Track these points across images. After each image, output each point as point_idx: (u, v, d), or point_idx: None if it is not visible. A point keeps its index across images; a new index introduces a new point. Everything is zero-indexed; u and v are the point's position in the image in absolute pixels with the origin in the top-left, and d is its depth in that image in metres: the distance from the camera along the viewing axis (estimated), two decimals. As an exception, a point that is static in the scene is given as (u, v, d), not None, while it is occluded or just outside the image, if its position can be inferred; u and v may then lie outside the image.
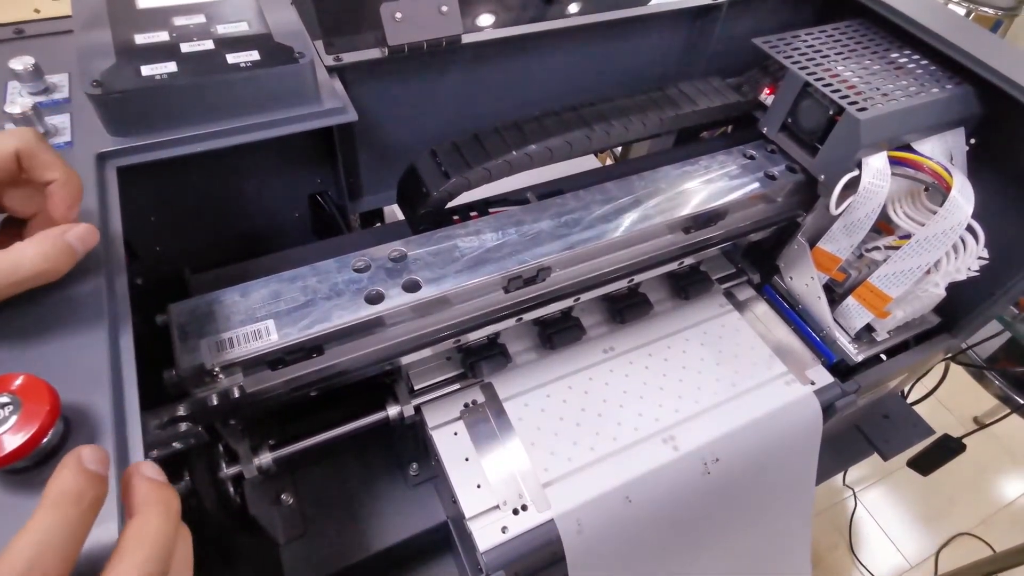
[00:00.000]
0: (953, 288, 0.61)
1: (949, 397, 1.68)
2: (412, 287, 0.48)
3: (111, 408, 0.30)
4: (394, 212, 0.81)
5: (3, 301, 0.31)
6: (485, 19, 0.60)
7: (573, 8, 0.64)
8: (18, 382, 0.27)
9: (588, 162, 0.92)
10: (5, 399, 0.26)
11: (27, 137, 0.32)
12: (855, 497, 1.50)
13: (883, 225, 0.62)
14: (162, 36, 0.46)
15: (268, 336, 0.43)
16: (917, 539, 1.46)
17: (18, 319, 0.32)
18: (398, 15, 0.53)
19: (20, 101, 0.42)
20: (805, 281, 0.66)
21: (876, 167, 0.56)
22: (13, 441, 0.25)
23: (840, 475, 1.21)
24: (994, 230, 0.56)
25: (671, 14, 0.70)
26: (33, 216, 0.34)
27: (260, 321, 0.44)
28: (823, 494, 1.51)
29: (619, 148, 1.15)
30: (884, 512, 1.50)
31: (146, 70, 0.44)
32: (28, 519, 0.22)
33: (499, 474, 0.55)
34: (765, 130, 0.64)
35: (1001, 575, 1.15)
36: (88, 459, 0.24)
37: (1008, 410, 1.10)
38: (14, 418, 0.26)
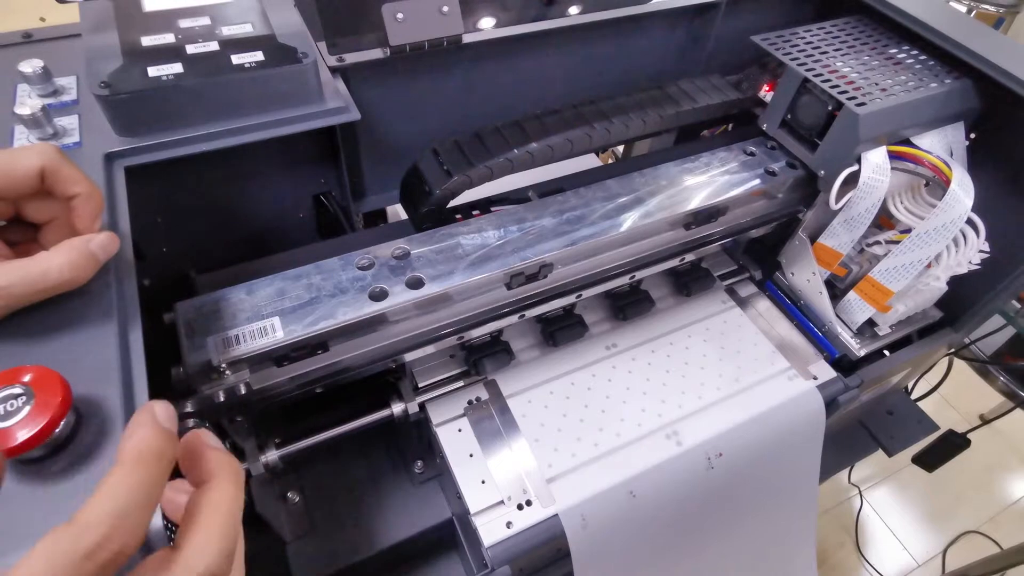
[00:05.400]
0: (955, 282, 0.62)
1: (954, 393, 1.67)
2: (415, 284, 0.48)
3: (121, 400, 0.30)
4: (397, 213, 0.82)
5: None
6: (486, 19, 0.61)
7: (573, 8, 0.64)
8: (31, 374, 0.27)
9: (589, 161, 0.92)
10: (18, 390, 0.27)
11: (50, 154, 0.32)
12: (861, 495, 1.49)
13: (884, 220, 0.62)
14: (168, 38, 0.47)
15: (274, 333, 0.44)
16: (924, 537, 1.45)
17: (32, 315, 0.32)
18: (399, 15, 0.54)
19: (29, 103, 0.42)
20: (807, 276, 0.66)
21: (875, 162, 0.56)
22: (26, 431, 0.26)
23: (846, 473, 1.21)
24: (995, 223, 0.56)
25: (671, 12, 0.71)
26: (48, 222, 0.35)
27: (266, 318, 0.45)
28: (829, 492, 1.51)
29: (620, 148, 1.16)
30: (890, 510, 1.49)
31: (153, 71, 0.44)
32: (105, 478, 0.22)
33: (503, 470, 0.55)
34: (765, 127, 0.64)
35: (1008, 572, 1.15)
36: (163, 417, 0.24)
37: (1013, 405, 1.10)
38: (27, 408, 0.26)
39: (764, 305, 0.71)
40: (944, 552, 1.43)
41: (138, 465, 0.22)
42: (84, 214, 0.34)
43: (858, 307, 0.64)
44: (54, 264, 0.31)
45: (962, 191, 0.53)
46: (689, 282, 0.69)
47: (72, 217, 0.34)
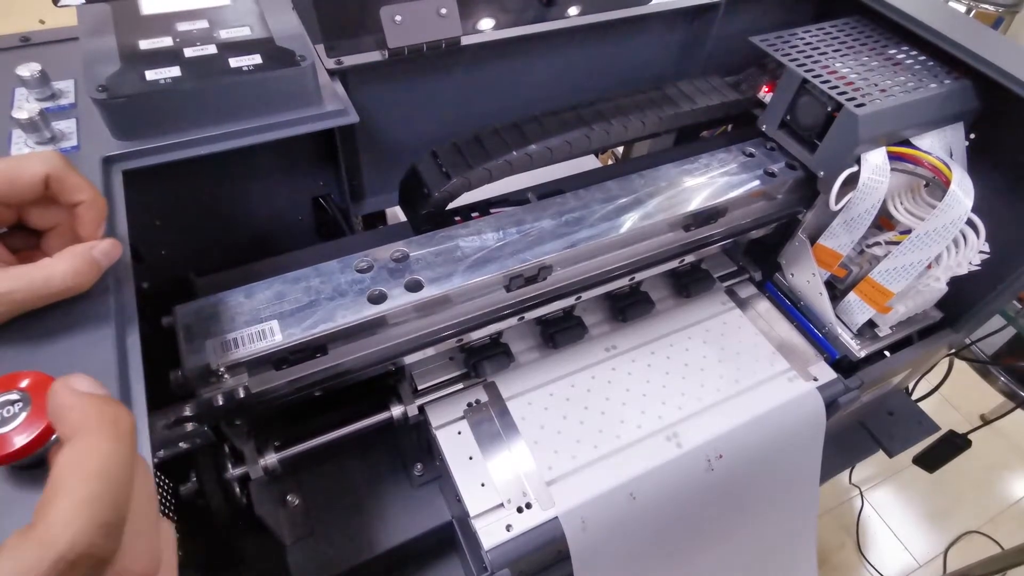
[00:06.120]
0: (955, 283, 0.61)
1: (954, 394, 1.67)
2: (414, 287, 0.48)
3: (118, 405, 0.30)
4: (396, 214, 0.81)
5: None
6: (484, 21, 0.61)
7: (572, 9, 0.64)
8: (27, 380, 0.27)
9: (589, 162, 0.92)
10: (14, 396, 0.26)
11: (55, 162, 0.32)
12: (862, 496, 1.49)
13: (884, 221, 0.62)
14: (166, 41, 0.47)
15: (272, 336, 0.44)
16: (925, 537, 1.45)
17: (30, 320, 0.32)
18: (398, 18, 0.54)
19: (27, 107, 0.42)
20: (806, 278, 0.66)
21: (875, 163, 0.56)
22: (22, 438, 0.26)
23: (846, 473, 1.21)
24: (995, 224, 0.56)
25: (669, 14, 0.71)
26: (51, 228, 0.35)
27: (264, 322, 0.45)
28: (829, 493, 1.51)
29: (620, 149, 1.16)
30: (891, 511, 1.49)
31: (150, 75, 0.44)
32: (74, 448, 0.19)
33: (503, 473, 0.55)
34: (764, 128, 0.64)
35: (1010, 572, 1.14)
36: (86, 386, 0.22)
37: (1013, 406, 1.09)
38: (23, 415, 0.26)
39: (764, 306, 0.71)
40: (945, 552, 1.42)
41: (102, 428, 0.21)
42: (88, 221, 0.34)
43: (858, 308, 0.64)
44: (57, 271, 0.31)
45: (962, 192, 0.53)
46: (689, 283, 0.69)
47: (75, 224, 0.34)
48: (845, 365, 0.67)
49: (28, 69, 0.45)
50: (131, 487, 0.20)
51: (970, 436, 0.91)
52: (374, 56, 0.56)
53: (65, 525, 0.18)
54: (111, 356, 0.32)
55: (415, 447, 0.62)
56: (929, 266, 0.58)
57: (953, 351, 0.84)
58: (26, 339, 0.32)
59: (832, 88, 0.56)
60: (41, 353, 0.31)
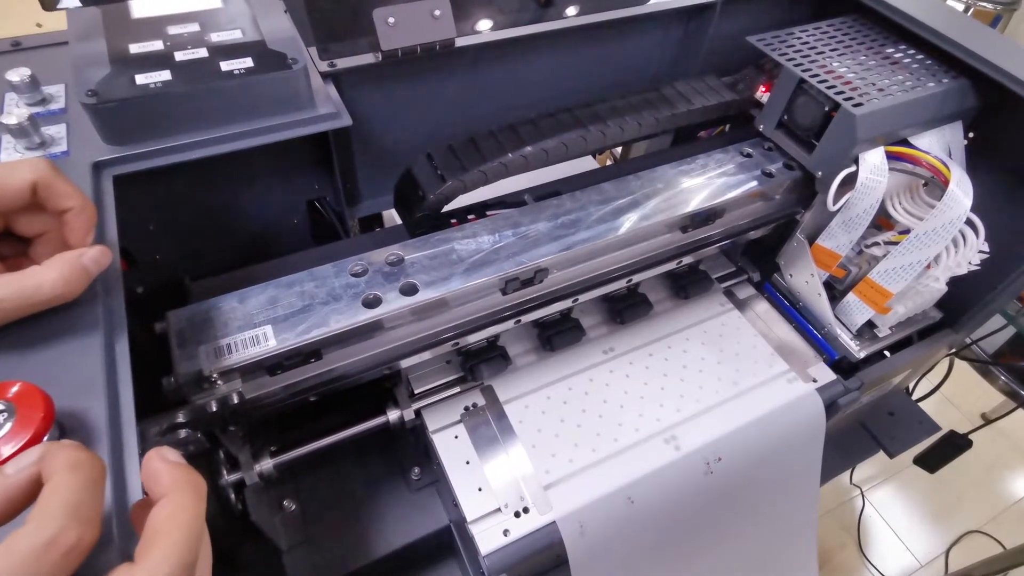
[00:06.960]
0: (954, 283, 0.61)
1: (955, 393, 1.67)
2: (409, 291, 0.48)
3: (106, 414, 0.30)
4: (393, 217, 0.81)
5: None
6: (479, 22, 0.60)
7: (568, 10, 0.64)
8: (13, 390, 0.27)
9: (586, 163, 0.92)
10: (0, 406, 0.26)
11: (43, 169, 0.32)
12: (863, 496, 1.49)
13: (882, 221, 0.62)
14: (156, 45, 0.47)
15: (266, 342, 0.44)
16: (926, 537, 1.45)
17: (15, 328, 0.32)
18: (391, 20, 0.53)
19: (16, 112, 0.42)
20: (805, 278, 0.66)
21: (873, 162, 0.56)
22: (8, 447, 0.25)
23: (847, 474, 1.21)
24: (994, 223, 0.56)
25: (666, 14, 0.70)
26: (39, 235, 0.35)
27: (258, 327, 0.44)
28: (830, 493, 1.50)
29: (619, 149, 1.15)
30: (893, 511, 1.49)
31: (140, 79, 0.44)
32: (47, 486, 0.23)
33: (500, 477, 0.55)
34: (762, 128, 0.64)
35: (1012, 572, 1.14)
36: (71, 443, 0.24)
37: (1015, 405, 1.09)
38: (8, 425, 0.26)
39: (762, 307, 0.71)
40: (947, 552, 1.42)
41: (73, 470, 0.23)
42: (76, 228, 0.34)
43: (857, 309, 0.63)
44: (47, 278, 0.31)
45: (961, 191, 0.53)
46: (687, 285, 0.68)
47: (64, 231, 0.34)
48: (845, 366, 0.66)
49: (17, 74, 0.45)
50: (203, 534, 0.25)
51: (971, 436, 0.90)
52: (367, 58, 0.56)
53: (164, 560, 0.23)
54: (99, 364, 0.32)
55: (412, 451, 0.62)
56: (928, 266, 0.58)
57: (953, 351, 0.83)
58: (13, 348, 0.31)
59: (829, 88, 0.56)
60: (28, 362, 0.31)
